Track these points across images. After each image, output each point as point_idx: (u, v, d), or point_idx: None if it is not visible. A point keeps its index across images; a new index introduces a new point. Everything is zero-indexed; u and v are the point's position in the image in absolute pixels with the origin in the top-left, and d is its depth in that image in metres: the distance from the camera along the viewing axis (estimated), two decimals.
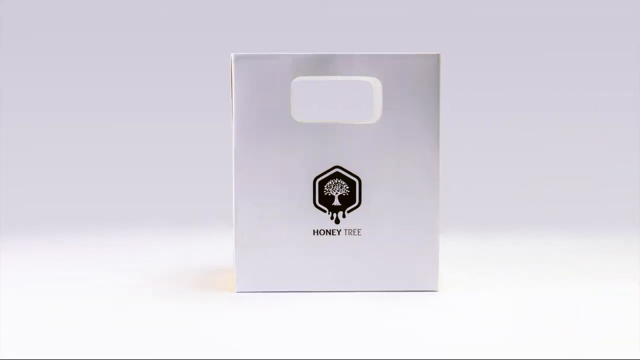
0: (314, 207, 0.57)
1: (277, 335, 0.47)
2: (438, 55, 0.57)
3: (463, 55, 1.04)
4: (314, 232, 0.57)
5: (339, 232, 0.57)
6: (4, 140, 1.03)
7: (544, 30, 1.07)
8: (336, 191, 0.57)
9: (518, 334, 0.48)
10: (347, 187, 0.57)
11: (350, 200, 0.57)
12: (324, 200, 0.57)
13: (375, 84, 0.58)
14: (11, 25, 1.05)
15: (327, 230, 0.57)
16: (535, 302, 0.55)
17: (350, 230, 0.57)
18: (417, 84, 0.57)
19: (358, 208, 0.57)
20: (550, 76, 1.07)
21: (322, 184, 0.57)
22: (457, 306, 0.54)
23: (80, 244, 0.77)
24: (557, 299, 0.55)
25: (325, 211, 0.57)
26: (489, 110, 1.07)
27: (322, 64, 0.57)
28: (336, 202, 0.57)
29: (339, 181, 0.57)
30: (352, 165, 0.57)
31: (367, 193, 0.57)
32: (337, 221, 0.57)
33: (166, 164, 1.03)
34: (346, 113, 0.70)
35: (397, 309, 0.53)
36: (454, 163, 0.96)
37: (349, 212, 0.57)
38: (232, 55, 0.57)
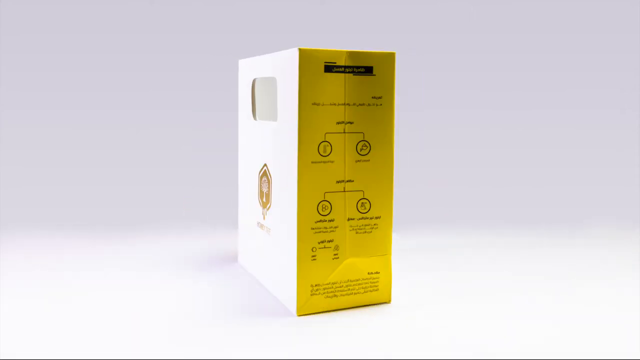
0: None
1: None
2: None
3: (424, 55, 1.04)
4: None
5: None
6: (4, 140, 1.01)
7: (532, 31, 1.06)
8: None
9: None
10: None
11: None
12: None
13: None
14: (10, 25, 1.04)
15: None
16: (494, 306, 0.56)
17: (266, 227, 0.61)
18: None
19: None
20: (529, 76, 1.06)
21: None
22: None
23: (78, 244, 0.75)
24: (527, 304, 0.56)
25: None
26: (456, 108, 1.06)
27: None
28: None
29: (265, 179, 0.60)
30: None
31: None
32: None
33: (167, 165, 1.02)
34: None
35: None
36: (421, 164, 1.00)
37: None
38: (240, 61, 0.65)
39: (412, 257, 0.72)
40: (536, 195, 0.98)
